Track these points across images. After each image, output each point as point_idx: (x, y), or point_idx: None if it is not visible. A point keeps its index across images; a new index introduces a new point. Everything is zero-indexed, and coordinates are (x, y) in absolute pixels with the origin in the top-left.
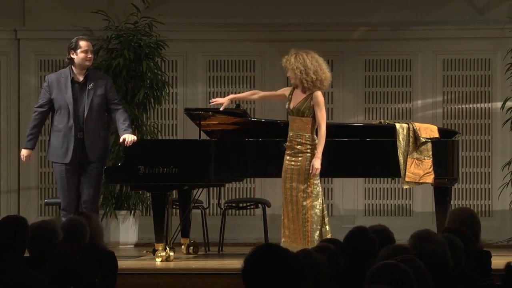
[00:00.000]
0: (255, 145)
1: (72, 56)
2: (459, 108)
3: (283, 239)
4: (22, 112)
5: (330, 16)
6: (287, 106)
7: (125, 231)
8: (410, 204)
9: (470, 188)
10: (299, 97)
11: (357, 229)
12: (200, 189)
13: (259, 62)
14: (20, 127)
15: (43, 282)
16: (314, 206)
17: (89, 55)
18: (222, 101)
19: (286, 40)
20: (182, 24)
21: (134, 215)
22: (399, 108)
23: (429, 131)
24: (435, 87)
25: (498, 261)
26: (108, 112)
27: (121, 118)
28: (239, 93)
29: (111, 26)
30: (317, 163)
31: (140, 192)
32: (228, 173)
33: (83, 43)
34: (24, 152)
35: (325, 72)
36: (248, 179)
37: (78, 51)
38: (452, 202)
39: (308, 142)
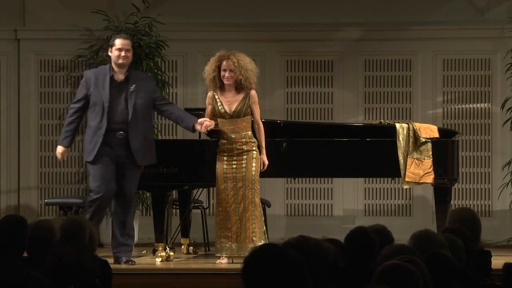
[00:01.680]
0: None
1: (109, 54)
2: (459, 108)
3: (227, 243)
4: (22, 112)
5: (330, 16)
6: (222, 111)
7: None
8: (410, 204)
9: (470, 188)
10: (233, 98)
11: (358, 229)
12: (200, 189)
13: (259, 62)
14: (20, 127)
15: (43, 282)
16: (259, 204)
17: (123, 53)
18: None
19: (286, 40)
20: (182, 24)
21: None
22: (399, 108)
23: (429, 131)
24: (435, 87)
25: (498, 261)
26: (157, 111)
27: (176, 109)
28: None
29: (111, 26)
30: (265, 158)
31: (140, 192)
32: None
33: (117, 41)
34: (59, 149)
35: (256, 74)
36: None
37: (113, 48)
38: (452, 202)
39: (251, 141)
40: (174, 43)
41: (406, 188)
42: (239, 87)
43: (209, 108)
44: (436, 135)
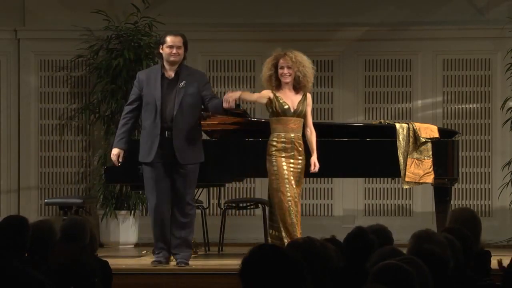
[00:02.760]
0: (255, 145)
1: (160, 51)
2: (459, 108)
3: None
4: (22, 112)
5: (330, 16)
6: (286, 107)
7: (125, 231)
8: (410, 204)
9: (470, 188)
10: (293, 97)
11: (357, 230)
12: (200, 189)
13: (259, 62)
14: (20, 127)
15: (43, 282)
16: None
17: (174, 51)
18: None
19: (286, 40)
20: (182, 24)
21: (134, 215)
22: (399, 108)
23: (429, 131)
24: (435, 87)
25: None
26: (205, 110)
27: (214, 100)
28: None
29: (111, 26)
30: (317, 160)
31: (140, 192)
32: (228, 173)
33: (168, 38)
34: (114, 151)
35: (313, 73)
36: (248, 179)
37: (164, 46)
38: (452, 202)
39: (302, 143)
40: None
41: (406, 188)
42: (297, 86)
43: (263, 92)
44: (436, 135)
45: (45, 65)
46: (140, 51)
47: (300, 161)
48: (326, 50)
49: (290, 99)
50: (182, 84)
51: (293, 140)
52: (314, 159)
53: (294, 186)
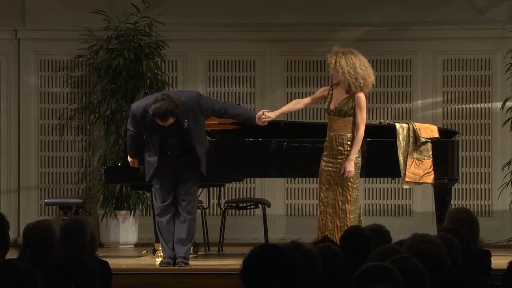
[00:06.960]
0: (255, 145)
1: None
2: (459, 108)
3: None
4: (22, 112)
5: (330, 16)
6: (326, 106)
7: (125, 231)
8: (410, 204)
9: (470, 188)
10: (340, 96)
11: (353, 229)
12: (200, 189)
13: (259, 62)
14: (20, 127)
15: (31, 271)
16: (353, 211)
17: (166, 124)
18: (272, 116)
19: (286, 40)
20: (182, 24)
21: (134, 215)
22: (399, 108)
23: (429, 131)
24: (435, 87)
25: (498, 261)
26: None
27: (231, 108)
28: (239, 93)
29: (111, 26)
30: (349, 165)
31: (140, 192)
32: (228, 173)
33: (158, 120)
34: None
35: (371, 76)
36: (248, 179)
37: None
38: (452, 202)
39: (349, 143)
40: (174, 43)
41: (406, 188)
42: (348, 87)
43: (316, 93)
44: (436, 135)
45: (45, 65)
46: (140, 51)
47: (339, 161)
48: (326, 50)
49: (337, 98)
50: (185, 124)
51: (332, 139)
52: (345, 163)
53: (326, 186)
